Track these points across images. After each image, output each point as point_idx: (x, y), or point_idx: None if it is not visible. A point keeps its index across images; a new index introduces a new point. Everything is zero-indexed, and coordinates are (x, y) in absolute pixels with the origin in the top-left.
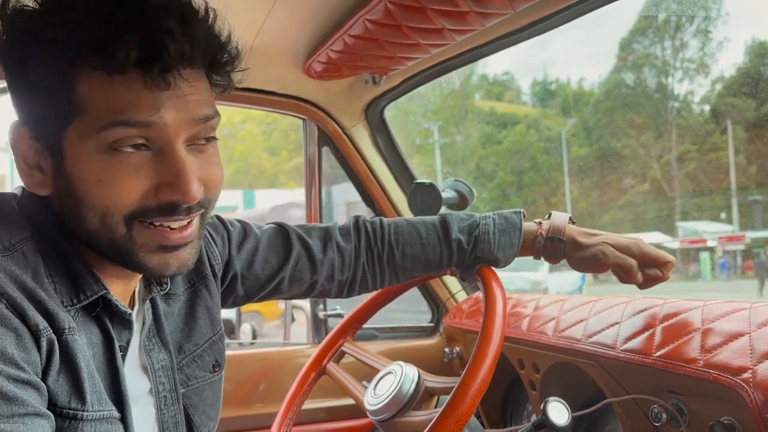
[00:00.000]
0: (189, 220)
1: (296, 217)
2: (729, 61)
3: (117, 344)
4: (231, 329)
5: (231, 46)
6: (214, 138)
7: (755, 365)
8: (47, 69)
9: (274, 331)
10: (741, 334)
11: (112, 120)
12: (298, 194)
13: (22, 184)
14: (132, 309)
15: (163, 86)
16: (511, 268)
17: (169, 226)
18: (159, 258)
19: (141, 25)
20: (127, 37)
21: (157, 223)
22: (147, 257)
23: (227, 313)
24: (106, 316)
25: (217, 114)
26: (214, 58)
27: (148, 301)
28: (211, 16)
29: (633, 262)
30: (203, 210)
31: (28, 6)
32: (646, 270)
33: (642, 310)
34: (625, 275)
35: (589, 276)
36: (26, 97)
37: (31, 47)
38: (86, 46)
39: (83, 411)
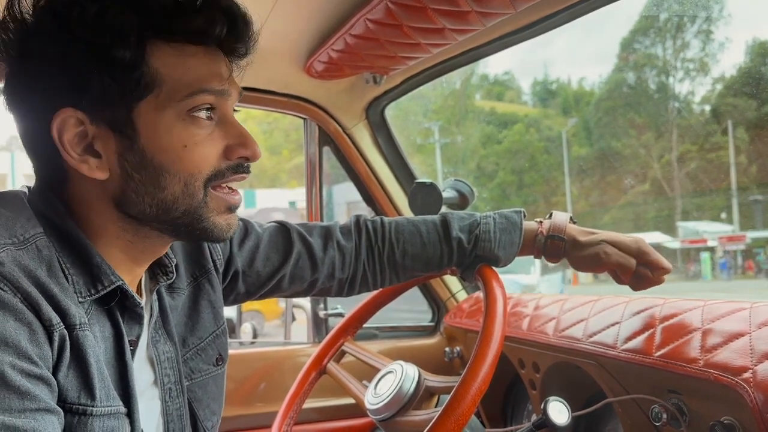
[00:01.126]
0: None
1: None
2: (730, 61)
3: (126, 339)
4: (232, 328)
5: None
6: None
7: (755, 365)
8: (121, 48)
9: (274, 331)
10: (741, 334)
11: (196, 88)
12: (299, 194)
13: (23, 183)
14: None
15: (233, 60)
16: (500, 271)
17: (231, 189)
18: (225, 219)
19: (217, 5)
20: (213, 12)
21: (224, 185)
22: (216, 219)
23: (228, 312)
24: (118, 310)
25: None
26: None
27: (155, 293)
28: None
29: (634, 261)
30: None
31: None
32: (640, 269)
33: (642, 310)
34: (623, 275)
35: (589, 276)
36: (88, 80)
37: (101, 30)
38: (165, 22)
39: (92, 407)
